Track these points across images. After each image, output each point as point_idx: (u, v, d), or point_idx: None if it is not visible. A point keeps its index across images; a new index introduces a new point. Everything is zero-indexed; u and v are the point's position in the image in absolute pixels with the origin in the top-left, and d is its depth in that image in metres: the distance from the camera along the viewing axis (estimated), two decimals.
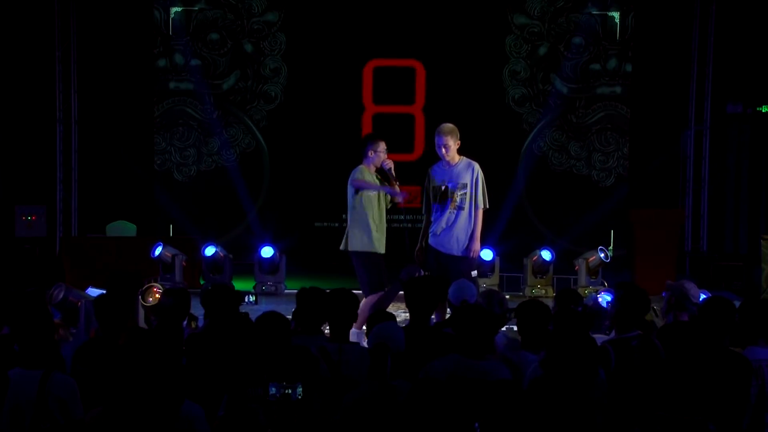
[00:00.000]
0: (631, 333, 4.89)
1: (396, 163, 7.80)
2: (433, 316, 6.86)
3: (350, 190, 7.61)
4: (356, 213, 7.56)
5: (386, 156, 7.65)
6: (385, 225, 7.67)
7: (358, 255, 7.56)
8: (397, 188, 7.62)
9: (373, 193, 7.58)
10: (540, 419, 3.99)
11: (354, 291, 5.19)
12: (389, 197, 7.70)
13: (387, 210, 7.77)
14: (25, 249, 11.90)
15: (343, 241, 7.66)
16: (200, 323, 6.02)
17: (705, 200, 12.77)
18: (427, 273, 7.43)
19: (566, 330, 4.23)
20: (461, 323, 4.51)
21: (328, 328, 5.18)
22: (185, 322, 5.67)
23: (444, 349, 4.58)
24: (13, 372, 4.23)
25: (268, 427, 3.87)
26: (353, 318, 5.11)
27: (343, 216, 13.09)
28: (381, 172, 7.75)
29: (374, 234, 7.52)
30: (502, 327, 5.63)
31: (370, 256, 7.53)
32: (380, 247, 7.58)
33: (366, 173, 7.61)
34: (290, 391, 3.90)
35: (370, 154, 7.64)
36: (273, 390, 3.90)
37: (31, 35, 12.46)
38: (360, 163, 7.67)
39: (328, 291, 5.17)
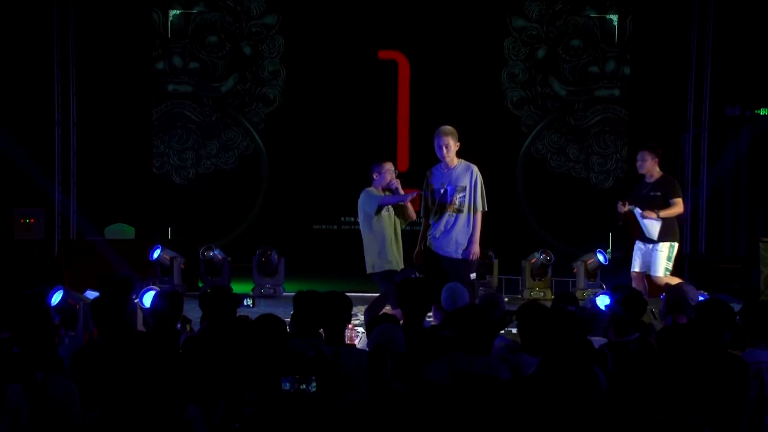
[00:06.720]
0: (629, 337, 4.87)
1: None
2: (431, 318, 6.88)
3: (363, 214, 7.66)
4: (373, 234, 7.62)
5: (393, 176, 7.71)
6: (401, 241, 7.76)
7: (381, 275, 7.66)
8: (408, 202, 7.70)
9: (386, 213, 7.65)
10: (536, 420, 3.98)
11: (348, 294, 5.17)
12: (399, 221, 7.79)
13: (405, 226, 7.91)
14: (24, 252, 11.86)
15: (369, 265, 7.72)
16: (195, 326, 6.01)
17: (703, 203, 12.76)
18: (421, 275, 7.44)
19: (561, 332, 4.21)
20: (461, 323, 4.50)
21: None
22: (179, 325, 5.65)
23: (443, 352, 4.57)
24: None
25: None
26: (347, 320, 5.11)
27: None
28: (389, 191, 7.82)
29: (393, 252, 7.62)
30: (502, 329, 5.62)
31: (393, 274, 7.60)
32: (401, 262, 7.70)
33: (376, 195, 7.68)
34: (305, 386, 3.81)
35: (375, 176, 7.71)
36: (287, 385, 3.80)
37: (30, 37, 12.45)
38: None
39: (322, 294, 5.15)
